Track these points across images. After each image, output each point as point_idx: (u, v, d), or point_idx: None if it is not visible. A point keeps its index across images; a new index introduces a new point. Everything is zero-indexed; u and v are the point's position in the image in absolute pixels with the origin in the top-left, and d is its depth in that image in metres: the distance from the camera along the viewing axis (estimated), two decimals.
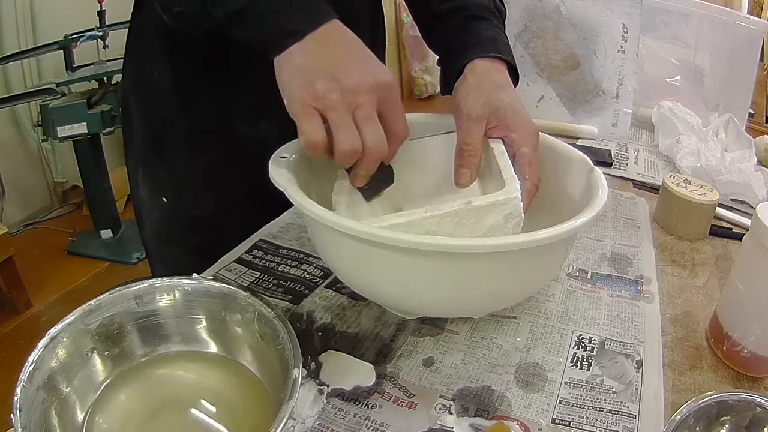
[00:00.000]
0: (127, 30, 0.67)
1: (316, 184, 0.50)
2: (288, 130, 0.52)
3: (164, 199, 0.69)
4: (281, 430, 0.33)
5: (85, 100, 1.83)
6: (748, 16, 1.23)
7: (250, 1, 0.44)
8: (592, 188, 0.49)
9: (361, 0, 0.70)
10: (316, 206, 0.42)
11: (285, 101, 0.43)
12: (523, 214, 0.45)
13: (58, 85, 1.86)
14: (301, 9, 0.44)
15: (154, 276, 0.51)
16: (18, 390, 0.34)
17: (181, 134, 0.67)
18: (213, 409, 0.40)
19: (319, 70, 0.42)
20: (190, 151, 0.67)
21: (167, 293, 0.44)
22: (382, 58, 0.79)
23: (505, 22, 0.64)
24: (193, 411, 0.40)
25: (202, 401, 0.41)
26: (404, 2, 0.71)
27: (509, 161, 0.49)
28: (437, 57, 0.63)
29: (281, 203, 0.49)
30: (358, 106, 0.43)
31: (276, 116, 0.64)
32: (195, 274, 0.45)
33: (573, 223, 0.42)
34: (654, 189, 0.81)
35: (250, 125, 0.67)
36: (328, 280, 0.57)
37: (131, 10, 0.66)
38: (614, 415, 0.43)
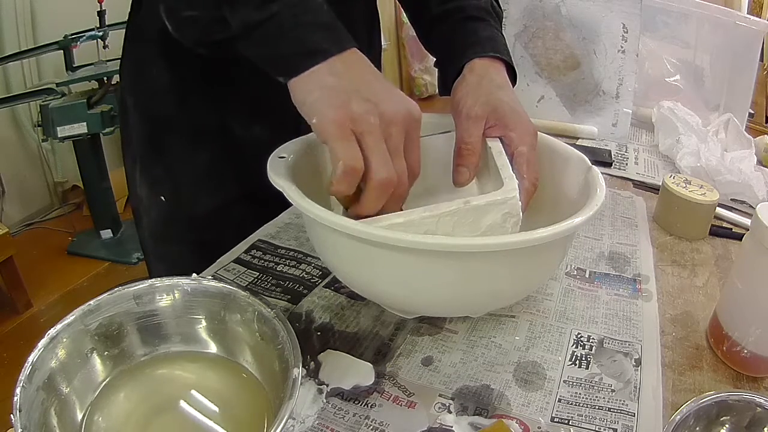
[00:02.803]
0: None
1: (315, 184, 0.50)
2: (283, 133, 0.52)
3: (162, 197, 0.69)
4: (281, 429, 0.33)
5: (85, 100, 1.83)
6: (748, 16, 1.22)
7: (273, 14, 0.41)
8: (590, 187, 0.49)
9: (358, 6, 0.70)
10: (315, 206, 0.42)
11: (314, 121, 0.40)
12: (521, 214, 0.45)
13: (58, 85, 1.86)
14: (325, 28, 0.42)
15: (151, 275, 0.51)
16: (18, 390, 0.34)
17: (178, 133, 0.67)
18: (212, 409, 0.40)
19: (353, 91, 0.40)
20: (188, 149, 0.68)
21: (167, 293, 0.44)
22: (378, 64, 0.79)
23: (503, 23, 0.64)
24: (193, 411, 0.40)
25: (202, 401, 0.41)
26: (401, 4, 0.71)
27: (507, 160, 0.49)
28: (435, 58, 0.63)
29: (279, 203, 0.49)
30: (389, 136, 0.40)
31: (271, 119, 0.64)
32: (194, 274, 0.45)
33: (571, 222, 0.42)
34: (654, 189, 0.81)
35: (246, 127, 0.67)
36: (326, 280, 0.57)
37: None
38: (613, 413, 0.43)
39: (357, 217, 0.43)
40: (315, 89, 0.41)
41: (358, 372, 0.46)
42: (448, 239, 0.40)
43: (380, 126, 0.40)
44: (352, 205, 0.43)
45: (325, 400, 0.43)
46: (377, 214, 0.44)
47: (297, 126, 0.51)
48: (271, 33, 0.42)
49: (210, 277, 0.45)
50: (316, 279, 0.57)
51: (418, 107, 0.43)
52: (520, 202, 0.45)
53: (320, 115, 0.40)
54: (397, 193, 0.42)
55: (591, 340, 0.51)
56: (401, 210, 0.45)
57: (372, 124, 0.40)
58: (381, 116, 0.40)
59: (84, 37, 1.94)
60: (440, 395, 0.44)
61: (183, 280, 0.44)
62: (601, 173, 0.51)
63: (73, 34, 1.93)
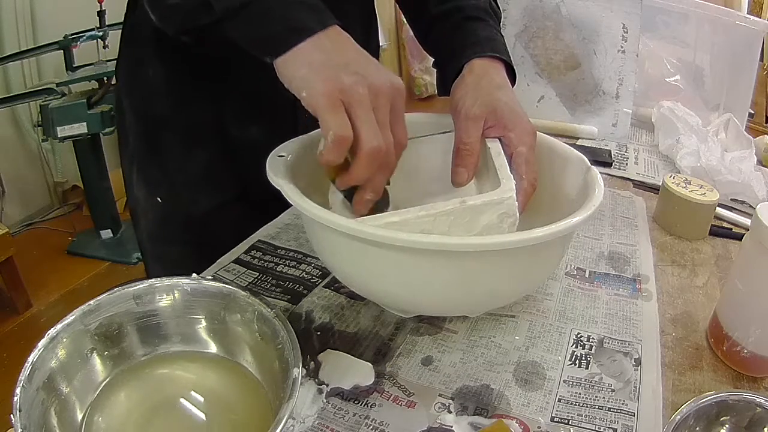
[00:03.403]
0: None
1: (314, 183, 0.50)
2: (280, 134, 0.52)
3: (159, 198, 0.69)
4: (281, 429, 0.33)
5: (85, 100, 1.83)
6: (748, 16, 1.22)
7: None
8: (589, 187, 0.49)
9: (356, 6, 0.70)
10: (313, 205, 0.42)
11: (303, 94, 0.41)
12: (518, 214, 0.45)
13: (58, 85, 1.86)
14: (309, 7, 0.43)
15: (149, 276, 0.51)
16: (18, 390, 0.34)
17: (174, 133, 0.67)
18: (212, 409, 0.40)
19: (341, 64, 0.41)
20: (185, 150, 0.67)
21: (167, 293, 0.44)
22: None
23: (502, 23, 0.64)
24: (193, 411, 0.40)
25: (202, 401, 0.41)
26: (399, 5, 0.71)
27: (505, 161, 0.49)
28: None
29: (277, 203, 0.49)
30: (377, 107, 0.41)
31: (268, 120, 0.64)
32: (194, 274, 0.45)
33: (568, 222, 0.42)
34: (654, 189, 0.81)
35: (243, 128, 0.67)
36: (326, 280, 0.57)
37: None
38: (613, 413, 0.43)
39: (345, 187, 0.44)
40: (303, 65, 0.41)
41: (358, 372, 0.46)
42: (445, 238, 0.40)
43: (369, 97, 0.41)
44: (340, 174, 0.43)
45: (325, 400, 0.43)
46: (372, 212, 0.44)
47: (295, 127, 0.51)
48: (256, 13, 0.43)
49: (210, 277, 0.46)
50: (316, 279, 0.57)
51: (401, 80, 0.44)
52: (516, 203, 0.45)
53: (309, 88, 0.40)
54: (385, 163, 0.42)
55: (591, 340, 0.51)
56: (389, 182, 0.46)
57: (361, 94, 0.40)
58: (369, 87, 0.41)
59: (84, 37, 1.94)
60: (440, 395, 0.44)
61: (183, 280, 0.44)
62: (601, 173, 0.51)
63: (73, 34, 1.93)
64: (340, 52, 0.42)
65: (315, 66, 0.41)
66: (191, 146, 0.67)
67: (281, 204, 0.45)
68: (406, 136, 0.45)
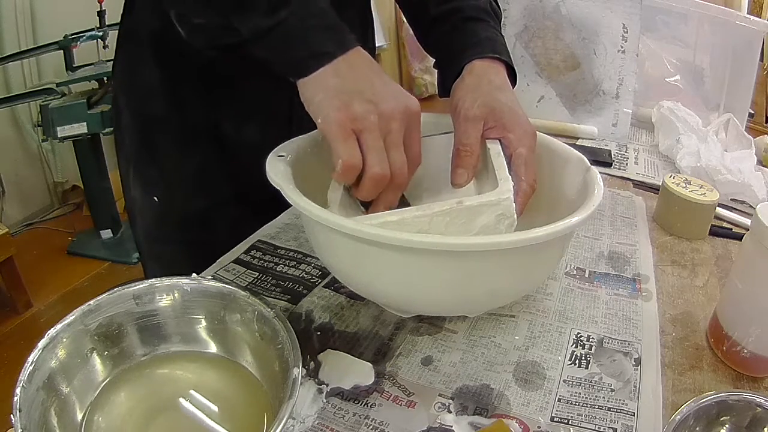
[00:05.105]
0: None
1: (314, 183, 0.50)
2: (275, 134, 0.53)
3: (156, 198, 0.69)
4: (281, 429, 0.33)
5: (85, 100, 1.83)
6: (748, 16, 1.22)
7: (281, 20, 0.43)
8: (589, 187, 0.49)
9: (352, 8, 0.70)
10: (311, 204, 0.42)
11: (318, 121, 0.43)
12: (515, 216, 0.45)
13: (58, 85, 1.86)
14: (330, 31, 0.45)
15: (147, 276, 0.51)
16: (18, 390, 0.34)
17: (171, 134, 0.67)
18: (212, 409, 0.41)
19: (355, 92, 0.43)
20: (181, 150, 0.68)
21: (167, 293, 0.44)
22: None
23: (502, 23, 0.64)
24: (193, 411, 0.40)
25: (202, 401, 0.41)
26: (399, 6, 0.71)
27: (505, 162, 0.49)
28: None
29: (273, 203, 0.49)
30: (389, 132, 0.43)
31: (263, 120, 0.64)
32: (194, 274, 0.45)
33: (567, 222, 0.42)
34: (654, 189, 0.81)
35: (238, 128, 0.67)
36: (326, 280, 0.57)
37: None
38: (613, 413, 0.43)
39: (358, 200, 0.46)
40: (320, 90, 0.43)
41: (358, 372, 0.46)
42: (444, 238, 0.40)
43: (380, 123, 0.42)
44: (354, 189, 0.46)
45: (325, 400, 0.43)
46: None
47: (289, 127, 0.51)
48: (280, 38, 0.44)
49: (210, 277, 0.46)
50: (316, 279, 0.57)
51: (416, 101, 0.45)
52: (514, 204, 0.45)
53: (324, 115, 0.42)
54: (395, 184, 0.44)
55: (591, 340, 0.51)
56: (402, 197, 0.47)
57: (372, 122, 0.42)
58: (381, 114, 0.42)
59: (84, 37, 1.94)
60: (440, 395, 0.44)
61: (183, 280, 0.44)
62: (601, 173, 0.51)
63: (73, 34, 1.93)
64: (356, 77, 0.44)
65: (329, 92, 0.43)
66: (187, 146, 0.67)
67: (280, 205, 0.45)
68: (419, 155, 0.47)
